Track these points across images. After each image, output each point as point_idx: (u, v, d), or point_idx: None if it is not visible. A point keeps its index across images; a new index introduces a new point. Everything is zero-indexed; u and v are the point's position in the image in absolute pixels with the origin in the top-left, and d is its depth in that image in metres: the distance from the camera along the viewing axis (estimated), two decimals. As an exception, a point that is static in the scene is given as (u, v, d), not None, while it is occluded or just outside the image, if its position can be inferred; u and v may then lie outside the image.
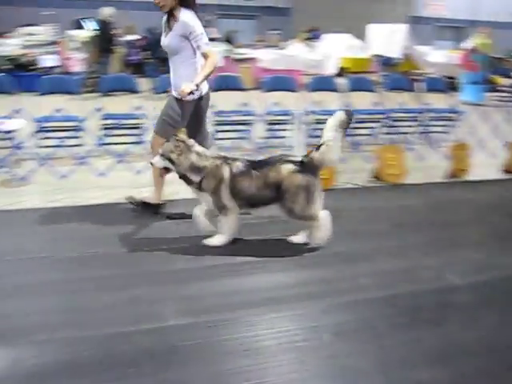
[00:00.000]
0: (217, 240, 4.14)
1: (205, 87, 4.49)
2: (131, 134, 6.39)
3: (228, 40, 15.55)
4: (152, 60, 12.29)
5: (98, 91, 7.89)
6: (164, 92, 6.73)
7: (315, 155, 4.00)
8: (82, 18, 17.42)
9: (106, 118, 6.19)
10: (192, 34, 4.23)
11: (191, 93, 4.18)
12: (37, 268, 3.77)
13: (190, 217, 4.30)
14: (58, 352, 2.80)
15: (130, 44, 13.76)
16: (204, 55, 4.28)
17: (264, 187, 3.97)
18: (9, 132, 5.89)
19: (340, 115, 3.97)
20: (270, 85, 7.98)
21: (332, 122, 3.98)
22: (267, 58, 14.41)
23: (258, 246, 4.20)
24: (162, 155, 4.04)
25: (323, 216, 4.06)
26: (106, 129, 6.23)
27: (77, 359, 2.75)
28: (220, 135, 6.86)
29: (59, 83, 7.17)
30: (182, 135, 4.04)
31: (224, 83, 7.73)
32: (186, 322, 3.10)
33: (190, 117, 4.47)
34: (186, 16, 4.24)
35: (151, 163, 4.18)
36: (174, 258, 3.95)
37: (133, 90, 7.45)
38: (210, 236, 4.16)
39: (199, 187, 4.03)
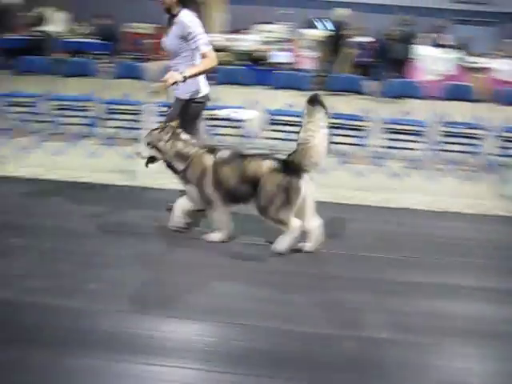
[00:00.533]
0: (215, 236, 4.02)
1: (204, 90, 4.23)
2: (354, 135, 6.38)
3: (462, 47, 14.73)
4: (381, 63, 12.16)
5: (325, 89, 8.02)
6: (393, 97, 6.61)
7: (294, 157, 3.71)
8: (316, 18, 17.90)
9: (332, 118, 6.24)
10: (190, 35, 3.96)
11: (175, 83, 3.87)
12: (262, 256, 3.88)
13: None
14: (260, 340, 2.88)
15: (360, 45, 13.77)
16: (203, 55, 4.00)
17: (243, 181, 3.78)
18: (240, 121, 6.26)
19: (312, 110, 3.63)
20: (506, 98, 7.37)
21: (306, 120, 3.64)
22: (504, 68, 13.37)
23: (459, 269, 3.88)
24: (148, 144, 3.97)
25: (314, 225, 3.84)
26: (331, 128, 6.28)
27: (275, 350, 2.80)
28: (446, 147, 6.52)
29: (291, 79, 7.42)
30: (173, 123, 3.95)
31: (454, 92, 7.34)
32: (390, 336, 2.97)
33: (183, 116, 4.16)
34: (184, 16, 3.98)
35: (137, 153, 4.08)
36: (379, 266, 3.82)
37: (359, 92, 7.42)
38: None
39: (184, 177, 3.93)
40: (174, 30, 4.03)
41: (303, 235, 3.89)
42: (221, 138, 6.41)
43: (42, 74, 7.50)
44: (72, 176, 5.36)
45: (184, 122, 4.10)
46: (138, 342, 2.79)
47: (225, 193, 3.85)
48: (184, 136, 3.97)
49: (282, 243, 3.82)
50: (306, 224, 3.84)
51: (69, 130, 6.69)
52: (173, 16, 4.04)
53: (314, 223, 3.86)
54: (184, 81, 3.89)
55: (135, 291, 3.30)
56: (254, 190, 3.76)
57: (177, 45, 4.05)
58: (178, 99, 4.20)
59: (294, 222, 3.76)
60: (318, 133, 3.62)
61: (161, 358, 2.68)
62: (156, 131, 3.96)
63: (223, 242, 4.01)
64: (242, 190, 3.81)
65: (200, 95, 4.21)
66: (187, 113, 4.19)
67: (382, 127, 6.29)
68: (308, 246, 3.90)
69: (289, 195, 3.69)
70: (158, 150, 3.94)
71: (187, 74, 3.89)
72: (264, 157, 3.87)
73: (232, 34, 14.60)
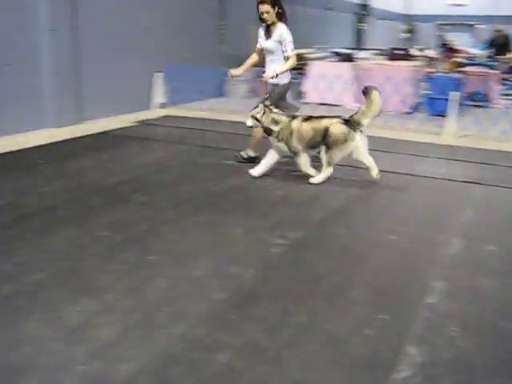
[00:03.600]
0: (315, 179, 5.83)
1: (285, 79, 6.32)
2: None
3: None
4: None
5: None
6: None
7: (354, 116, 5.69)
8: None
9: None
10: (284, 41, 6.10)
11: (272, 77, 6.06)
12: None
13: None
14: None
15: None
16: (287, 57, 6.19)
17: (317, 133, 5.70)
18: None
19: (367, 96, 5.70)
20: None
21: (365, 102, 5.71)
22: None
23: None
24: (251, 116, 5.93)
25: (369, 161, 5.75)
26: None
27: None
28: None
29: None
30: (266, 103, 5.95)
31: None
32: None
33: (275, 94, 6.28)
34: (282, 29, 6.12)
35: (246, 124, 6.00)
36: None
37: None
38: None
39: (277, 136, 5.81)
40: (274, 37, 6.18)
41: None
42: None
43: None
44: None
45: (277, 98, 6.29)
46: None
47: (305, 144, 5.77)
48: (274, 110, 5.96)
49: (319, 178, 5.81)
50: (365, 161, 5.76)
51: None
52: (272, 27, 6.18)
53: (369, 160, 5.76)
54: (277, 76, 6.10)
55: None
56: (324, 138, 5.67)
57: (274, 46, 6.23)
58: (271, 85, 6.32)
59: (331, 168, 5.77)
60: (369, 103, 5.64)
61: None
62: (257, 108, 5.95)
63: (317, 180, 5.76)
64: (317, 139, 5.73)
65: (283, 82, 6.34)
66: (279, 91, 6.35)
67: None
68: (373, 173, 5.78)
69: (347, 141, 5.60)
70: (258, 120, 5.92)
71: (278, 71, 6.10)
72: (332, 116, 5.88)
73: None
